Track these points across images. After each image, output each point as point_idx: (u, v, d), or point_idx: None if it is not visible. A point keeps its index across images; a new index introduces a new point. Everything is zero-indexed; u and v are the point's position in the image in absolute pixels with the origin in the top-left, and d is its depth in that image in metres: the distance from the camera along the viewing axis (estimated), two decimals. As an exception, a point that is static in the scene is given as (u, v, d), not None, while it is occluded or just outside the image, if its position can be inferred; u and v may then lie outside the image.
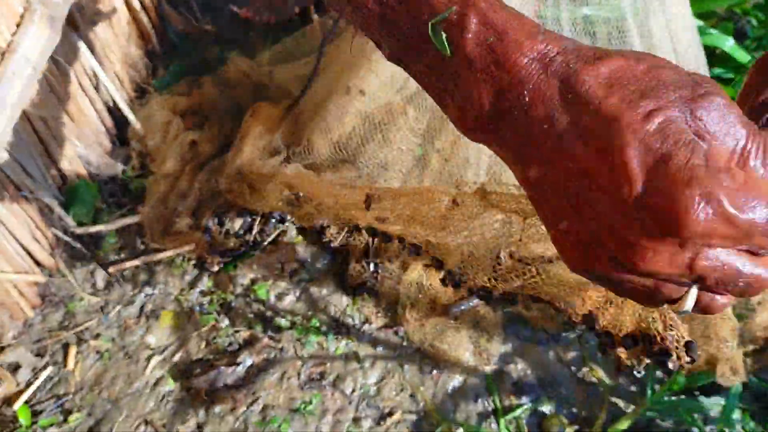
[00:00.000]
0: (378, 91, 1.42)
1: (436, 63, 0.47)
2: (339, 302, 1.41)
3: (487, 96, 0.46)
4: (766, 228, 0.41)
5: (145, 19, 1.74)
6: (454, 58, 0.46)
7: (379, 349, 1.36)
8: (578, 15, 1.48)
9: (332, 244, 1.44)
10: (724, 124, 0.42)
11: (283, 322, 1.38)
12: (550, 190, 0.45)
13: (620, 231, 0.42)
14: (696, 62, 1.35)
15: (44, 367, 1.36)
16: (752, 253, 0.43)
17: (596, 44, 1.50)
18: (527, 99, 0.44)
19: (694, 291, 0.43)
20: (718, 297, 0.44)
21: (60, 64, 1.41)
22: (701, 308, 0.44)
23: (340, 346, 1.36)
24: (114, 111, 1.64)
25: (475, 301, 1.39)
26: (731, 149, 0.42)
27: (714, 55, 1.67)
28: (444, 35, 0.46)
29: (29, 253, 1.41)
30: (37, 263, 1.44)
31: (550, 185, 0.45)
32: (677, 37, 1.31)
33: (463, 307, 1.38)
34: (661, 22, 1.35)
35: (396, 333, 1.37)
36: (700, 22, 1.55)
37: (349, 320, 1.38)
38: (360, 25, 0.51)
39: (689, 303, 0.43)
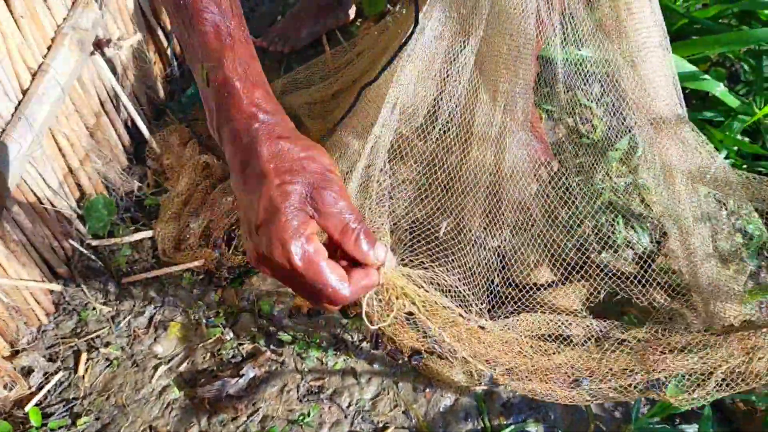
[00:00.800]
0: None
1: (202, 85, 0.77)
2: (340, 320, 1.47)
3: (217, 118, 0.75)
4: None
5: (165, 43, 1.82)
6: (209, 88, 0.75)
7: (376, 366, 1.42)
8: (573, 56, 1.56)
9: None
10: (331, 204, 0.71)
11: (286, 336, 1.44)
12: (239, 202, 0.74)
13: (253, 244, 0.71)
14: (671, 101, 1.42)
15: (56, 372, 1.42)
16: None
17: (589, 84, 1.57)
18: (233, 141, 0.72)
19: None
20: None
21: (85, 84, 1.49)
22: None
23: (338, 361, 1.42)
24: (132, 130, 1.72)
25: (472, 323, 1.45)
26: (335, 220, 0.72)
27: (706, 99, 1.75)
28: (206, 73, 0.75)
29: (46, 263, 1.48)
30: (54, 272, 1.51)
31: (239, 200, 0.74)
32: (658, 81, 1.39)
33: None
34: (642, 68, 1.42)
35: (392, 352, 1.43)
36: (693, 68, 1.63)
37: (348, 337, 1.45)
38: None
39: None
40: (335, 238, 0.73)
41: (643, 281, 1.45)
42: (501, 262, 1.52)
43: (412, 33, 1.29)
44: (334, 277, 0.70)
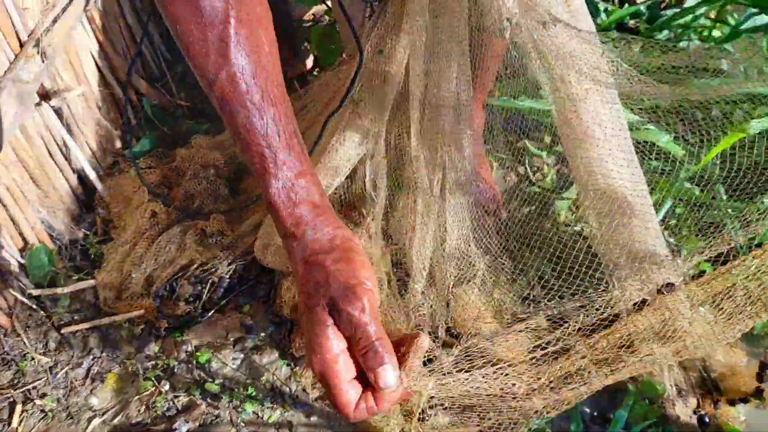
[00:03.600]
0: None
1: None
2: (279, 371, 1.46)
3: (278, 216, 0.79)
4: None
5: (119, 91, 1.84)
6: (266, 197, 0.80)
7: (313, 419, 1.40)
8: (522, 106, 1.57)
9: (277, 312, 1.51)
10: (349, 319, 0.72)
11: (222, 388, 1.42)
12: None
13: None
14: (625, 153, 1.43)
15: (-12, 425, 1.41)
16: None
17: (540, 133, 1.58)
18: (286, 235, 0.79)
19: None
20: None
21: (29, 134, 1.50)
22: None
23: (274, 414, 1.40)
24: (84, 178, 1.73)
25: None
26: (348, 333, 0.73)
27: (654, 148, 1.76)
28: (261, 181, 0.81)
29: (-15, 313, 1.47)
30: (-7, 322, 1.50)
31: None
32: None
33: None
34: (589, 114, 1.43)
35: (330, 405, 1.41)
36: (636, 117, 1.64)
37: (287, 389, 1.43)
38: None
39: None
40: (353, 350, 0.75)
41: (588, 330, 1.44)
42: (446, 309, 1.51)
43: (358, 70, 1.35)
44: (344, 399, 0.73)
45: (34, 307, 1.55)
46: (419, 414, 1.39)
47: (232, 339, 1.50)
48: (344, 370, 0.73)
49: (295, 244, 0.78)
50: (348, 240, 0.79)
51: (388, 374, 0.72)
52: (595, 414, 1.41)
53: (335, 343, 0.72)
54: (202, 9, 0.75)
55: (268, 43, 0.84)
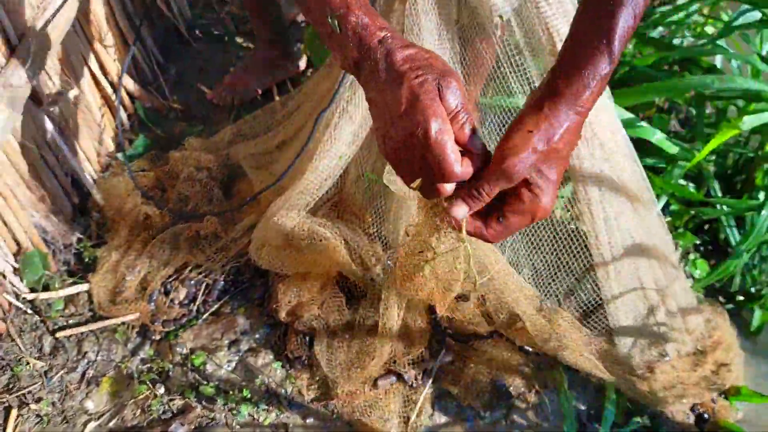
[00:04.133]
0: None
1: (333, 34, 0.89)
2: (274, 374, 1.45)
3: (354, 54, 0.88)
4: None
5: (112, 95, 1.84)
6: (341, 33, 0.89)
7: (309, 421, 1.40)
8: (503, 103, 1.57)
9: (271, 314, 1.51)
10: (452, 94, 0.82)
11: (217, 391, 1.42)
12: (378, 109, 0.87)
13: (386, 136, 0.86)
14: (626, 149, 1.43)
15: (-17, 430, 1.40)
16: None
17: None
18: (372, 59, 0.86)
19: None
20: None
21: (21, 138, 1.50)
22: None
23: (270, 416, 1.39)
24: (77, 182, 1.72)
25: (407, 375, 1.43)
26: (452, 107, 0.82)
27: (648, 145, 1.76)
28: (336, 21, 0.88)
29: (-21, 318, 1.47)
30: (-13, 327, 1.50)
31: (379, 107, 0.87)
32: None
33: (392, 380, 1.42)
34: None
35: (326, 406, 1.41)
36: (630, 115, 1.64)
37: (282, 391, 1.43)
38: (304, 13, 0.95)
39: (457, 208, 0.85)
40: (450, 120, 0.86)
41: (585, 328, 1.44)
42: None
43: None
44: (453, 154, 0.81)
45: (29, 311, 1.54)
46: (417, 411, 1.39)
47: (226, 341, 1.50)
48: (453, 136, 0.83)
49: (388, 42, 0.87)
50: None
51: (477, 140, 0.85)
52: (592, 412, 1.41)
53: (445, 111, 0.82)
54: None
55: None
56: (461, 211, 0.85)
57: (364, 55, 0.89)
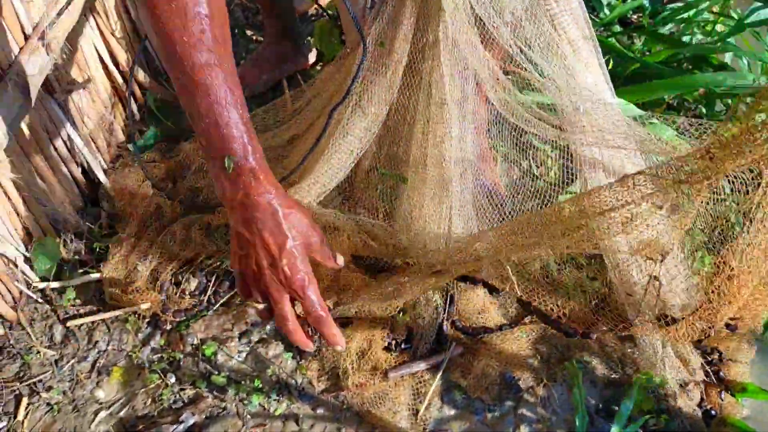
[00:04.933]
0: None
1: (223, 171, 0.99)
2: (284, 364, 1.46)
3: (239, 196, 0.99)
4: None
5: (123, 86, 1.84)
6: (230, 173, 0.98)
7: (320, 412, 1.40)
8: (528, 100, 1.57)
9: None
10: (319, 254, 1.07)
11: (228, 381, 1.43)
12: (242, 243, 1.02)
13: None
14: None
15: (-5, 418, 1.41)
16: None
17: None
18: (254, 206, 0.99)
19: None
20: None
21: (34, 127, 1.50)
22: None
23: (281, 407, 1.40)
24: (88, 172, 1.73)
25: (417, 367, 1.44)
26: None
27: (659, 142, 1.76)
28: (231, 164, 0.97)
29: (-9, 306, 1.48)
30: (-1, 315, 1.50)
31: (244, 242, 1.02)
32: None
33: (402, 372, 1.43)
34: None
35: (336, 397, 1.42)
36: (641, 112, 1.64)
37: (293, 382, 1.43)
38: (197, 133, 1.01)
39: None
40: (321, 263, 1.09)
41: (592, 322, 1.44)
42: (449, 303, 1.52)
43: (363, 59, 1.37)
44: (318, 300, 1.04)
45: (40, 300, 1.55)
46: (426, 404, 1.40)
47: (237, 332, 1.51)
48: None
49: (275, 203, 0.99)
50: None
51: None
52: (600, 406, 1.42)
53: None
54: (184, 6, 0.94)
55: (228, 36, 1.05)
56: None
57: (249, 200, 0.99)
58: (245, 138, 0.98)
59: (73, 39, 1.60)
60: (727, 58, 1.91)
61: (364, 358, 1.43)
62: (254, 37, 2.21)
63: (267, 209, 1.00)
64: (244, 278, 1.05)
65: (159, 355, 1.48)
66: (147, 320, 1.53)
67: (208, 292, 1.55)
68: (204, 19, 0.95)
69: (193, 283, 1.55)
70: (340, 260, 1.13)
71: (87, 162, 1.69)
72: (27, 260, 1.55)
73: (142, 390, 1.43)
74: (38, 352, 1.49)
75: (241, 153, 0.97)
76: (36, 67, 1.41)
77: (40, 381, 1.45)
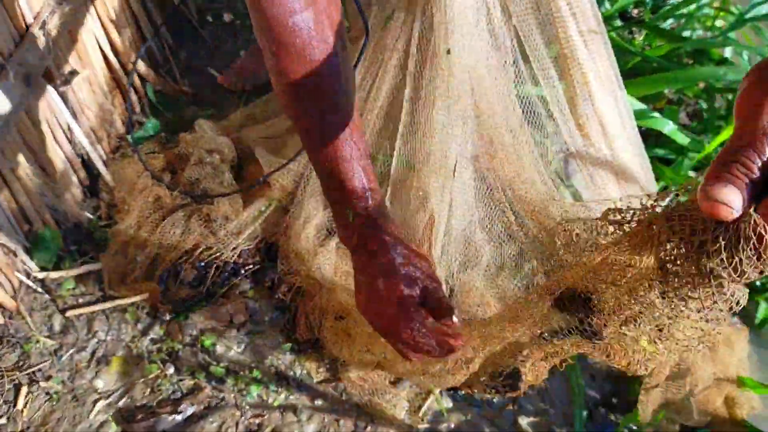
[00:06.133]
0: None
1: (345, 219, 1.00)
2: (283, 355, 1.46)
3: (356, 241, 0.99)
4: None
5: (123, 77, 1.84)
6: (354, 223, 0.99)
7: (318, 403, 1.40)
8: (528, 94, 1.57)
9: (282, 297, 1.51)
10: (433, 297, 0.97)
11: (227, 372, 1.43)
12: (366, 288, 0.98)
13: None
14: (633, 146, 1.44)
15: (-6, 406, 1.41)
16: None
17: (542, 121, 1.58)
18: (379, 251, 0.96)
19: None
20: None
21: (35, 117, 1.50)
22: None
23: (279, 398, 1.40)
24: (88, 163, 1.73)
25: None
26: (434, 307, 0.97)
27: (659, 136, 1.76)
28: (351, 213, 0.98)
29: (-9, 295, 1.48)
30: (-2, 305, 1.50)
31: (366, 286, 0.98)
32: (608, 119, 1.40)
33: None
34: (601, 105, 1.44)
35: (335, 388, 1.42)
36: (643, 105, 1.65)
37: (291, 373, 1.44)
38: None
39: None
40: (434, 315, 0.98)
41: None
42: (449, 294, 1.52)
43: (365, 45, 1.34)
44: (433, 350, 0.94)
45: (39, 290, 1.55)
46: (425, 396, 1.40)
47: (236, 323, 1.51)
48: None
49: (391, 248, 0.97)
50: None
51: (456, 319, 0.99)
52: (599, 399, 1.42)
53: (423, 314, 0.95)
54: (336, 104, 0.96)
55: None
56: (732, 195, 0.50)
57: (366, 248, 0.98)
58: (368, 192, 0.98)
59: (73, 29, 1.60)
60: (728, 52, 1.91)
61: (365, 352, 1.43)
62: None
63: (384, 257, 0.97)
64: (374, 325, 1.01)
65: (158, 345, 1.48)
66: (146, 311, 1.53)
67: (207, 283, 1.55)
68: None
69: (192, 274, 1.55)
70: (456, 320, 1.01)
71: (87, 152, 1.69)
72: (27, 250, 1.55)
73: (141, 380, 1.43)
74: (38, 341, 1.49)
75: (362, 205, 0.98)
76: (37, 56, 1.41)
77: (39, 370, 1.46)
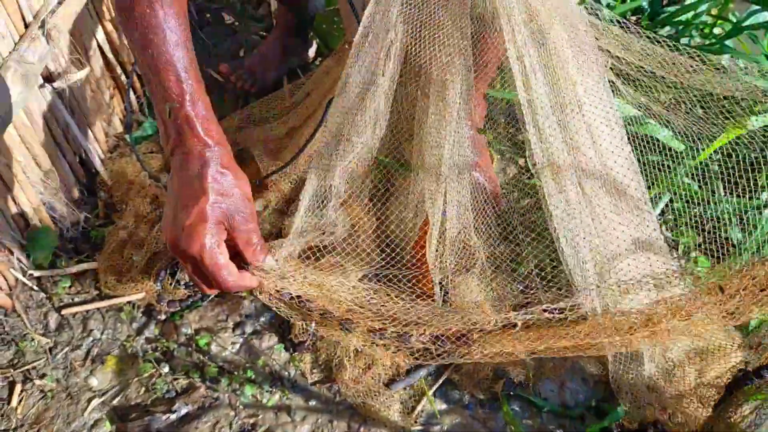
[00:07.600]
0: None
1: (165, 117, 0.99)
2: (278, 356, 1.47)
3: (173, 142, 0.99)
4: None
5: (123, 76, 1.85)
6: (170, 120, 0.98)
7: (312, 403, 1.41)
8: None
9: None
10: (244, 224, 1.00)
11: (221, 372, 1.43)
12: (172, 196, 0.98)
13: (173, 235, 0.97)
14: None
15: (-12, 403, 1.41)
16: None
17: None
18: (187, 156, 0.97)
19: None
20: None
21: (33, 116, 1.50)
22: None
23: (273, 398, 1.41)
24: (86, 162, 1.73)
25: (417, 376, 1.44)
26: (244, 237, 1.02)
27: (655, 143, 1.77)
28: (169, 109, 0.97)
29: (-14, 293, 1.48)
30: (-6, 302, 1.51)
31: (174, 194, 0.98)
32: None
33: (403, 384, 1.43)
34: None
35: (329, 389, 1.42)
36: (637, 111, 1.65)
37: (285, 373, 1.44)
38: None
39: None
40: (239, 248, 1.01)
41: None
42: (443, 297, 1.52)
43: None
44: (225, 271, 0.97)
45: (35, 288, 1.55)
46: (418, 398, 1.40)
47: (231, 323, 1.51)
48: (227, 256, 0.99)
49: (208, 153, 0.96)
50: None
51: (269, 259, 1.05)
52: (591, 404, 1.42)
53: (219, 239, 0.97)
54: None
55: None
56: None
57: (183, 149, 0.98)
58: (186, 84, 0.97)
59: (73, 28, 1.60)
60: (724, 60, 1.91)
61: (359, 355, 1.43)
62: (255, 31, 2.21)
63: (196, 162, 0.96)
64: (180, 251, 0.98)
65: (153, 344, 1.49)
66: (141, 310, 1.53)
67: (203, 283, 1.55)
68: None
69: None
70: (269, 261, 1.06)
71: (84, 151, 1.70)
72: (23, 248, 1.55)
73: (136, 379, 1.44)
74: (33, 339, 1.49)
75: (179, 98, 0.97)
76: (35, 55, 1.41)
77: (34, 368, 1.46)
